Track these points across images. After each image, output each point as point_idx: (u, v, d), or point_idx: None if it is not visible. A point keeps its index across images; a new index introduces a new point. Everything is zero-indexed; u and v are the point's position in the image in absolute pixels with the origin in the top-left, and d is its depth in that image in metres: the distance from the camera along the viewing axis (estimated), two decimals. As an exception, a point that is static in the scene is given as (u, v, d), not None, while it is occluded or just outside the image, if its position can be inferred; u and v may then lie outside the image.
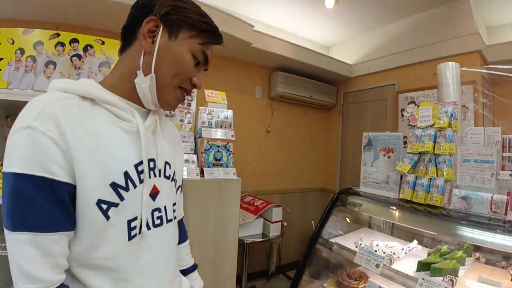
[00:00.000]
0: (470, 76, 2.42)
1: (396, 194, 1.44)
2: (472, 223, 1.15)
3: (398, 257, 1.37)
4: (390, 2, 2.75)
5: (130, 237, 0.67)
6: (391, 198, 1.43)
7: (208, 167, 1.75)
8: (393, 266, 1.29)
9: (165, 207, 0.77)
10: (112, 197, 0.63)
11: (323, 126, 3.86)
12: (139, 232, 0.69)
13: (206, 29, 0.72)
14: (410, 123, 1.56)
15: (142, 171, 0.69)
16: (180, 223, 1.02)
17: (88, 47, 1.90)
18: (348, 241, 1.53)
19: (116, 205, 0.64)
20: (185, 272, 1.00)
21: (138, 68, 0.70)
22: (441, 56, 2.64)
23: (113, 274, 0.66)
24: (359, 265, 1.54)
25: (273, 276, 3.27)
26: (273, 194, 3.28)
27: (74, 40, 1.87)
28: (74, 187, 0.59)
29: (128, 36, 0.73)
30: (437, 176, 1.33)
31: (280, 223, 2.59)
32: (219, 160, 1.79)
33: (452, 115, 1.40)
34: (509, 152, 1.24)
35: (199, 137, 1.80)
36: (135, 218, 0.68)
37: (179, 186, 0.92)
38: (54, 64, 1.80)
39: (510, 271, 1.19)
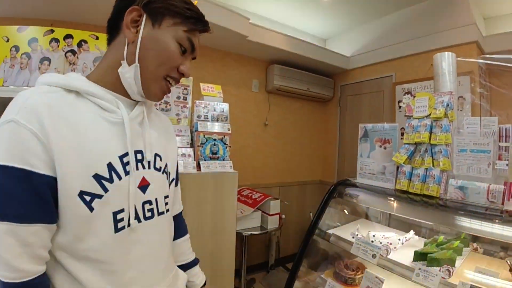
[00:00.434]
0: (467, 67, 2.41)
1: (393, 184, 1.44)
2: (469, 213, 1.14)
3: (395, 248, 1.38)
4: (386, -7, 2.74)
5: (117, 229, 0.66)
6: (388, 189, 1.43)
7: (205, 160, 1.75)
8: (390, 256, 1.30)
9: (156, 199, 0.76)
10: (95, 188, 0.63)
11: (320, 118, 3.85)
12: (128, 225, 0.68)
13: (190, 16, 0.71)
14: (406, 114, 1.56)
15: (128, 163, 0.68)
16: (179, 217, 1.01)
17: (82, 43, 1.90)
18: (345, 232, 1.54)
19: (99, 196, 0.63)
20: (185, 267, 0.99)
21: (122, 58, 0.69)
22: (438, 47, 2.63)
23: (100, 266, 0.65)
24: (357, 256, 1.54)
25: (272, 269, 3.30)
26: (271, 187, 3.29)
27: (68, 36, 1.86)
28: (55, 179, 0.59)
29: (113, 28, 0.74)
30: (433, 166, 1.33)
31: (278, 216, 2.60)
32: (216, 153, 1.78)
33: (448, 105, 1.39)
34: (505, 141, 1.23)
35: (195, 131, 1.79)
36: (122, 210, 0.67)
37: (173, 179, 0.91)
38: (49, 60, 1.81)
39: (508, 261, 1.18)
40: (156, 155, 0.78)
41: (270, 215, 2.51)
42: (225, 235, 1.81)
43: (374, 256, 1.28)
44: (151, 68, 0.70)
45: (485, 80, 2.53)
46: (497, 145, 1.24)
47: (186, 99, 1.97)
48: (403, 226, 1.65)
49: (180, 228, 0.99)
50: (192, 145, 1.83)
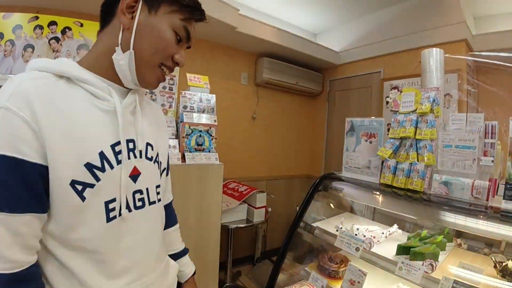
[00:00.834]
0: (456, 65, 2.44)
1: (377, 179, 1.45)
2: (453, 208, 1.15)
3: (378, 241, 1.39)
4: (377, -12, 2.73)
5: (109, 219, 0.66)
6: (373, 183, 1.44)
7: (190, 152, 1.72)
8: (373, 250, 1.31)
9: (147, 189, 0.76)
10: (87, 177, 0.61)
11: (309, 113, 3.85)
12: (119, 214, 0.68)
13: (187, 4, 0.70)
14: (393, 109, 1.56)
15: (119, 152, 0.67)
16: (169, 207, 1.01)
17: (67, 30, 1.87)
18: (330, 225, 1.54)
19: (91, 186, 0.62)
20: (175, 256, 1.00)
21: (116, 44, 0.67)
22: (427, 44, 2.63)
23: (93, 256, 0.65)
24: (341, 249, 1.55)
25: (258, 262, 3.31)
26: (258, 180, 3.28)
27: (52, 23, 1.83)
28: (47, 168, 0.58)
29: (107, 13, 0.71)
30: (417, 161, 1.34)
31: (264, 209, 2.60)
32: (201, 145, 1.76)
33: (434, 100, 1.40)
34: (491, 138, 1.24)
35: (180, 122, 1.76)
36: (114, 200, 0.67)
37: (165, 169, 0.90)
38: (33, 47, 1.79)
39: (493, 257, 1.19)
40: (147, 144, 0.77)
41: (256, 208, 2.51)
42: (210, 227, 1.80)
43: (357, 249, 1.28)
44: (146, 55, 0.68)
45: (472, 77, 2.56)
46: (482, 142, 1.25)
47: (172, 90, 1.93)
48: (387, 220, 1.66)
49: (170, 217, 0.99)
50: (177, 136, 1.80)
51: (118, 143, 0.67)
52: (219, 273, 1.99)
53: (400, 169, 1.38)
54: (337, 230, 1.43)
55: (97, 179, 0.63)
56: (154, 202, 0.79)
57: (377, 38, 3.15)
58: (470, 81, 2.48)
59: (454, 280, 1.01)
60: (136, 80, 0.70)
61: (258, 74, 3.21)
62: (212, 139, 1.80)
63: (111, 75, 0.69)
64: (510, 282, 1.05)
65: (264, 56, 3.20)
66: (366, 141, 1.55)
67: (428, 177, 1.33)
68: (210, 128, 1.80)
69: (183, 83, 2.00)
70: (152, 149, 0.79)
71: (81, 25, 1.89)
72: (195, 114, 1.79)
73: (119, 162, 0.67)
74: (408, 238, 1.37)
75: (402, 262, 1.16)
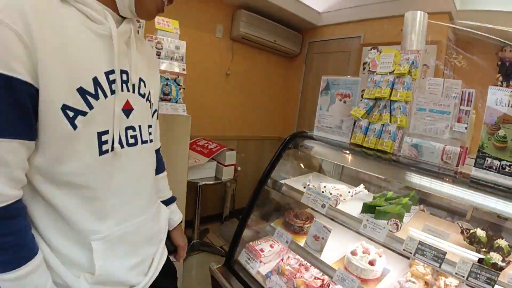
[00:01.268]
0: (436, 36, 2.41)
1: (348, 139, 1.43)
2: (421, 170, 1.14)
3: (344, 199, 1.40)
4: None
5: (101, 152, 0.64)
6: (343, 143, 1.42)
7: (156, 101, 1.60)
8: (339, 207, 1.32)
9: (139, 126, 0.74)
10: (79, 104, 0.59)
11: (285, 74, 3.75)
12: (112, 149, 0.66)
13: None
14: (370, 69, 1.52)
15: (114, 81, 0.65)
16: (157, 153, 1.00)
17: None
18: (297, 183, 1.54)
19: (84, 113, 0.60)
20: (163, 204, 1.00)
21: None
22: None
23: (82, 192, 0.63)
24: (307, 207, 1.56)
25: (227, 220, 3.36)
26: (229, 140, 3.21)
27: None
28: (37, 91, 0.54)
29: None
30: (390, 122, 1.32)
31: (233, 167, 2.57)
32: (168, 94, 1.63)
33: (413, 63, 1.37)
34: (467, 106, 1.23)
35: (146, 68, 1.61)
36: (107, 132, 0.64)
37: (156, 111, 0.88)
38: None
39: (459, 223, 1.22)
40: (140, 80, 0.74)
41: (225, 165, 2.47)
42: (175, 182, 1.72)
43: (323, 206, 1.28)
44: None
45: (452, 50, 2.55)
46: (457, 108, 1.24)
47: (138, 33, 1.74)
48: (354, 181, 1.68)
49: (158, 164, 0.98)
50: (142, 85, 1.65)
51: (112, 71, 0.64)
52: (186, 230, 1.97)
53: (371, 130, 1.36)
54: (304, 188, 1.43)
55: (90, 106, 0.60)
56: (146, 142, 0.77)
57: (359, 1, 3.04)
58: (449, 53, 2.47)
59: (419, 241, 1.03)
60: (133, 7, 0.67)
61: (235, 28, 3.01)
62: (180, 89, 1.68)
63: (107, 0, 0.65)
64: (478, 249, 1.08)
65: (242, 8, 2.99)
66: (341, 100, 1.51)
67: (399, 139, 1.32)
68: (178, 77, 1.67)
69: (150, 26, 1.81)
70: (145, 86, 0.76)
71: None
72: (161, 61, 1.64)
73: (112, 92, 0.64)
74: (374, 198, 1.39)
75: (367, 220, 1.17)
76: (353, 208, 1.32)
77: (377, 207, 1.23)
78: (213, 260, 1.56)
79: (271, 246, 1.57)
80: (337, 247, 1.41)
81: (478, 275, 0.91)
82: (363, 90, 1.51)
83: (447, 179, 1.08)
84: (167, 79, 1.63)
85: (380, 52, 1.52)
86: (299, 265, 1.49)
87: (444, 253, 0.98)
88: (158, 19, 1.79)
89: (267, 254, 1.52)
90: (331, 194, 1.35)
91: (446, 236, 1.10)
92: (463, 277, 0.93)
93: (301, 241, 1.38)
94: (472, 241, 1.11)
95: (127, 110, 0.70)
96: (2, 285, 0.55)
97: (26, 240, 0.59)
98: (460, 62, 2.40)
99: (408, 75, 1.36)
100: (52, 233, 0.63)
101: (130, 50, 0.70)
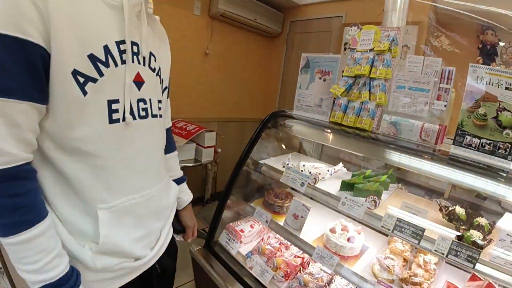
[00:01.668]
0: (418, 17, 2.39)
1: (328, 117, 1.41)
2: (399, 147, 1.14)
3: (323, 178, 1.40)
4: None
5: (111, 120, 0.64)
6: (323, 121, 1.41)
7: (129, 80, 1.52)
8: (318, 185, 1.31)
9: (150, 100, 0.75)
10: (89, 70, 0.59)
11: (265, 54, 3.67)
12: (123, 119, 0.66)
13: None
14: (350, 46, 1.49)
15: (124, 51, 0.65)
16: (168, 132, 1.01)
17: None
18: (277, 163, 1.53)
19: (94, 80, 0.60)
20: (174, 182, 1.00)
21: None
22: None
23: (91, 161, 0.64)
24: (287, 187, 1.56)
25: (208, 203, 3.33)
26: (209, 121, 3.15)
27: None
28: (49, 55, 0.55)
29: None
30: (369, 100, 1.31)
31: (213, 149, 2.52)
32: (141, 72, 1.55)
33: (393, 40, 1.35)
34: (447, 84, 1.23)
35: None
36: (117, 101, 0.65)
37: (166, 88, 0.89)
38: None
39: (438, 201, 1.23)
40: (151, 54, 0.75)
41: (205, 147, 2.43)
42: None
43: (302, 184, 1.28)
44: None
45: (434, 28, 2.55)
46: (437, 87, 1.23)
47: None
48: (333, 161, 1.69)
49: (170, 143, 1.00)
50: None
51: (123, 41, 0.65)
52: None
53: (350, 108, 1.35)
54: (283, 167, 1.41)
55: (101, 74, 0.61)
56: (156, 116, 0.77)
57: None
58: (430, 34, 2.47)
59: (397, 218, 1.03)
60: None
61: (213, 4, 2.89)
62: (154, 67, 1.60)
63: None
64: (458, 227, 1.08)
65: (220, -16, 2.87)
66: (320, 78, 1.49)
67: (378, 117, 1.32)
68: (152, 54, 1.58)
69: None
70: (155, 60, 0.76)
71: None
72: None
73: (123, 62, 0.65)
74: (353, 176, 1.39)
75: (345, 198, 1.17)
76: (332, 186, 1.32)
77: (355, 185, 1.23)
78: (195, 243, 1.55)
79: (251, 227, 1.56)
80: (316, 226, 1.42)
81: (458, 253, 0.91)
82: (343, 71, 1.50)
83: (425, 156, 1.09)
84: (140, 56, 1.54)
85: (361, 29, 1.49)
86: (279, 244, 1.50)
87: (423, 230, 0.99)
88: (129, -9, 1.68)
89: (248, 235, 1.52)
90: (310, 172, 1.34)
91: (425, 213, 1.11)
92: (443, 254, 0.93)
93: (281, 220, 1.38)
94: (451, 218, 1.11)
95: (139, 82, 0.70)
96: (9, 249, 0.56)
97: (36, 203, 0.59)
98: (440, 42, 2.41)
99: (388, 52, 1.34)
100: (60, 201, 0.64)
101: (141, 23, 0.71)
